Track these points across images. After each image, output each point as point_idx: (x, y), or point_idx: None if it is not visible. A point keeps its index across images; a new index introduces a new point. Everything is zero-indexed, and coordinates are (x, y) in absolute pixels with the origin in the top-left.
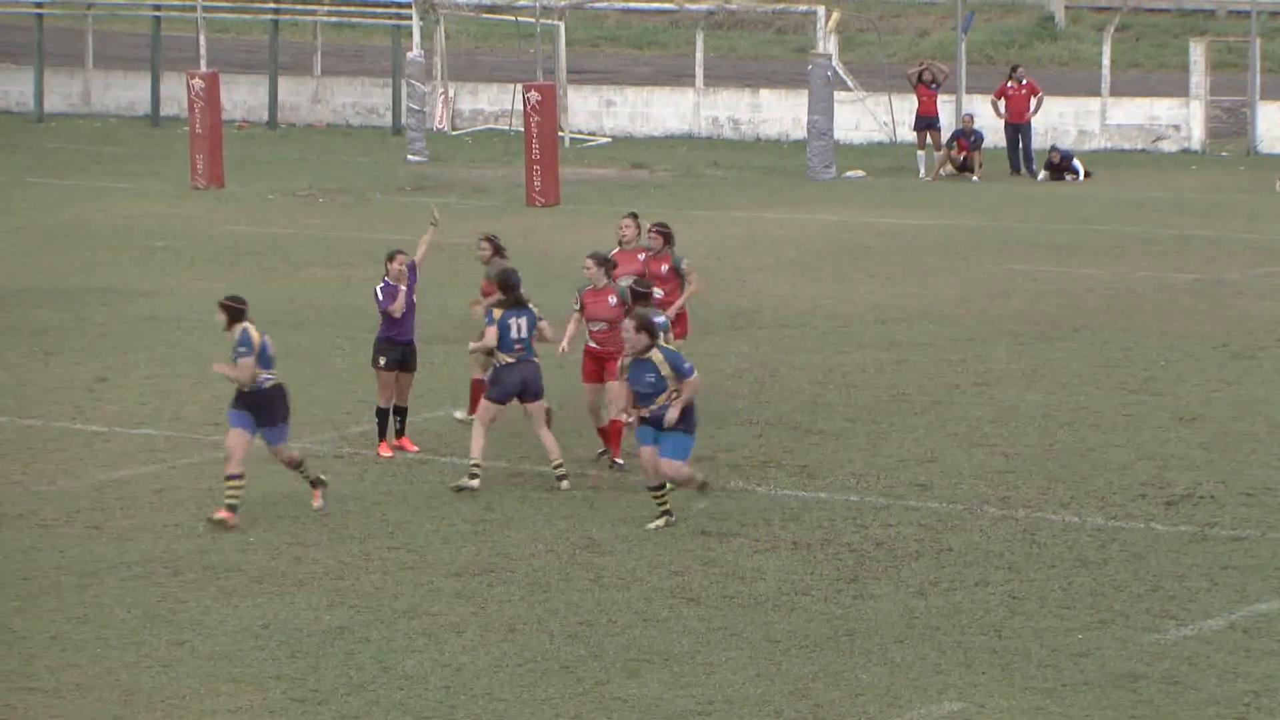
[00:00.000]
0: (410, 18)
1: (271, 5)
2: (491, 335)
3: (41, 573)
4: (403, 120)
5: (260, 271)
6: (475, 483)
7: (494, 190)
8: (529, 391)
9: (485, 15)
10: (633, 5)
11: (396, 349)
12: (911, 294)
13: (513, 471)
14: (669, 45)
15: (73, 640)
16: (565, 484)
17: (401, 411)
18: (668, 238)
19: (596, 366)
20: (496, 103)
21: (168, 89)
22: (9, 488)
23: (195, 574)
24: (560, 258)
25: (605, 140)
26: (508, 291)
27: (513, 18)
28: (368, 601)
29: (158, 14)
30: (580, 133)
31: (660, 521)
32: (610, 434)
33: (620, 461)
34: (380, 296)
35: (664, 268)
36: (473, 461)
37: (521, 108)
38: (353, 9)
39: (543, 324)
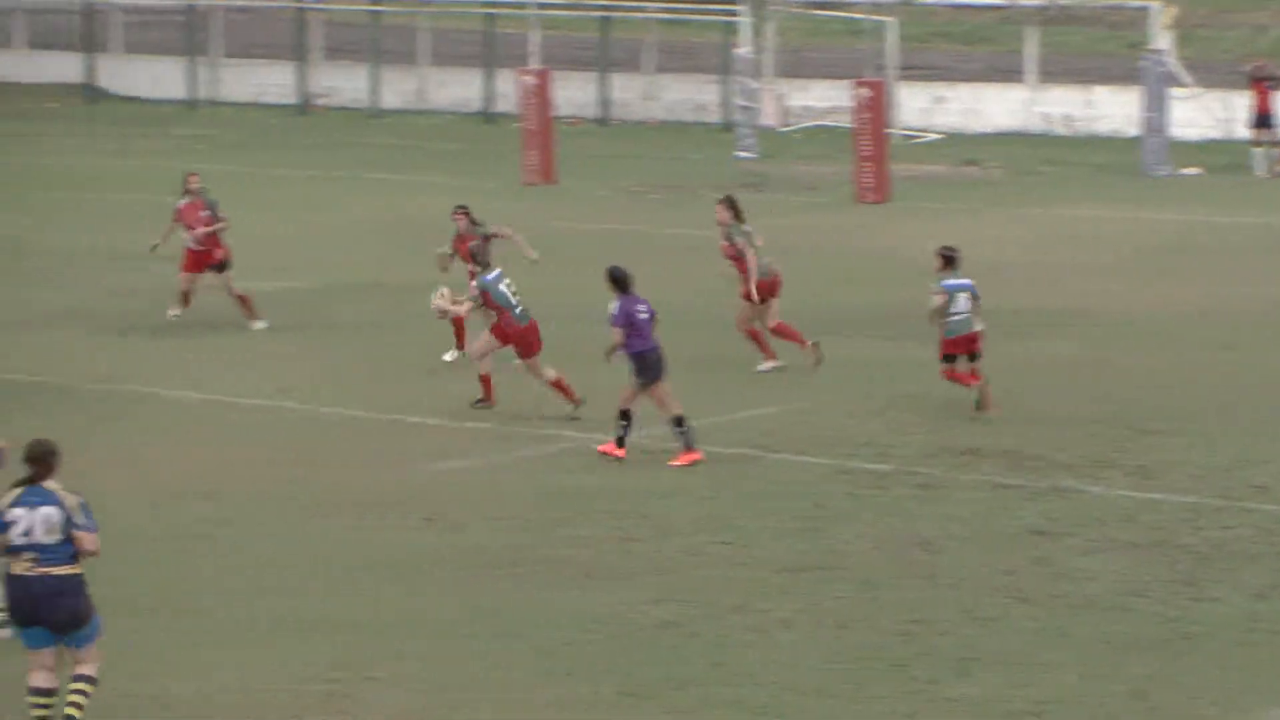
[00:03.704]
0: (741, 14)
1: (603, 2)
2: None
3: (372, 563)
4: (733, 117)
5: (587, 267)
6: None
7: (824, 186)
8: None
9: (815, 12)
10: (964, 1)
11: (653, 358)
12: (1246, 294)
13: (841, 469)
14: (999, 41)
15: (405, 631)
16: None
17: (679, 419)
18: (470, 216)
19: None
20: (826, 99)
21: (500, 86)
22: (340, 477)
23: (525, 567)
24: (884, 255)
25: (935, 137)
26: None
27: (844, 14)
28: (696, 596)
29: (491, 11)
30: (910, 129)
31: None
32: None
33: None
34: (615, 314)
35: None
36: None
37: (852, 104)
38: (684, 6)
39: None
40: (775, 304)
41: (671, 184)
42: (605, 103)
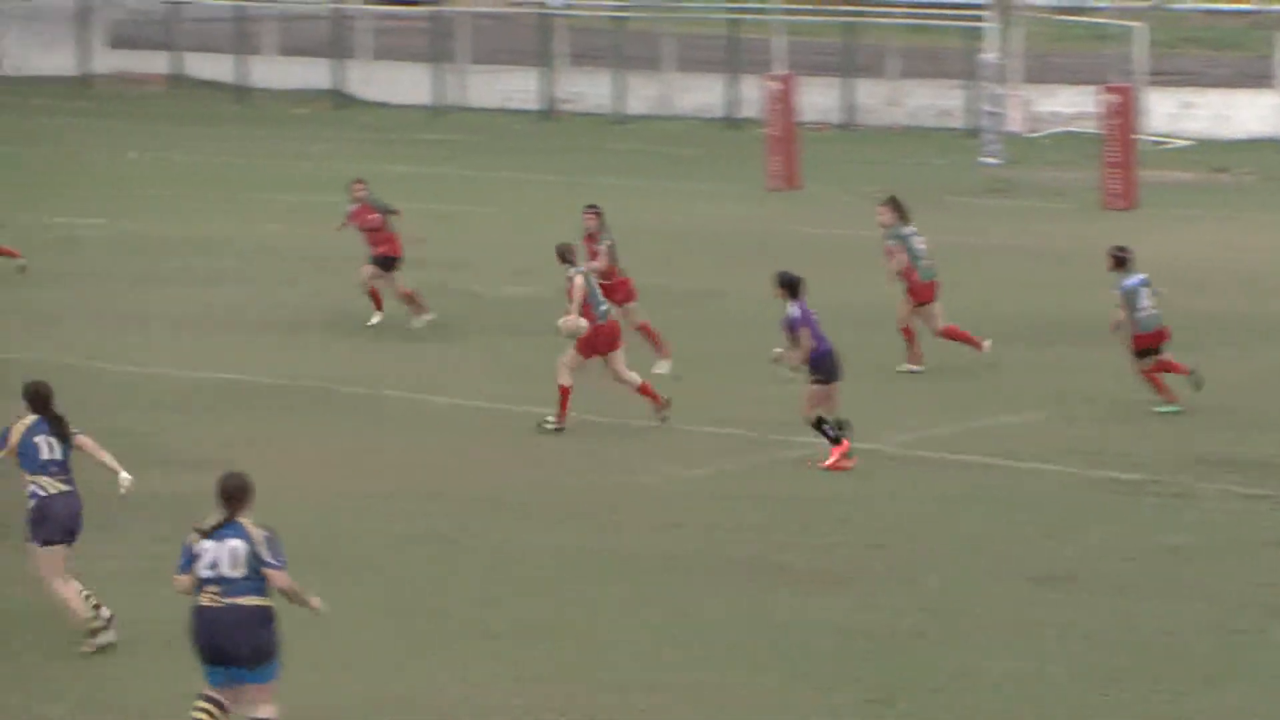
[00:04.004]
0: (987, 20)
1: (847, 8)
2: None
3: (615, 567)
4: (978, 122)
5: (832, 273)
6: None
7: (1070, 193)
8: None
9: (1062, 17)
10: (1212, 6)
11: (835, 359)
12: None
13: (1089, 478)
14: (1249, 46)
15: (647, 637)
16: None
17: (840, 424)
18: (601, 217)
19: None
20: (1073, 104)
21: (744, 91)
22: (581, 481)
23: (770, 574)
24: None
25: (1184, 143)
26: None
27: (1091, 19)
28: (942, 604)
29: (736, 16)
30: (1158, 135)
31: None
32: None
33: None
34: (800, 316)
35: (596, 247)
36: (89, 620)
37: (1100, 109)
38: (929, 11)
39: None
40: (937, 307)
41: (915, 190)
42: (849, 108)
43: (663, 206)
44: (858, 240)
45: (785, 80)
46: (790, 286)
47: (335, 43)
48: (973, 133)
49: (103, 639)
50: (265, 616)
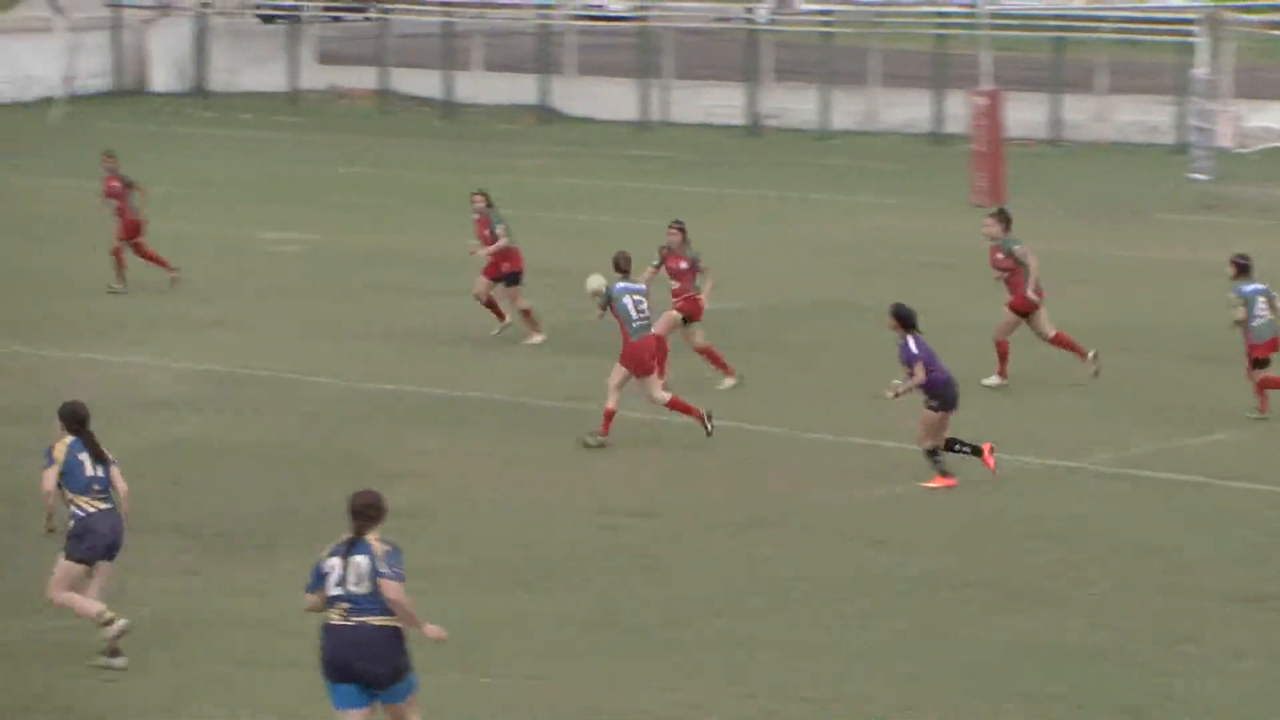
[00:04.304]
0: (1196, 35)
1: (1055, 23)
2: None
3: (808, 582)
4: (1186, 138)
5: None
6: (119, 661)
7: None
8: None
9: (1274, 31)
10: None
11: (954, 388)
12: None
13: None
14: None
15: (849, 650)
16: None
17: (951, 443)
18: (685, 234)
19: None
20: None
21: (950, 107)
22: (787, 497)
23: (967, 589)
24: None
25: None
26: None
27: None
28: (1139, 622)
29: (942, 32)
30: None
31: None
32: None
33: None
34: (916, 351)
35: (682, 264)
36: (105, 620)
37: None
38: (1138, 26)
39: None
40: (1044, 314)
41: (1122, 206)
42: (1056, 123)
43: (867, 222)
44: (1061, 256)
45: (992, 95)
46: (904, 319)
47: (541, 58)
48: (1181, 148)
49: (117, 661)
50: (395, 635)
